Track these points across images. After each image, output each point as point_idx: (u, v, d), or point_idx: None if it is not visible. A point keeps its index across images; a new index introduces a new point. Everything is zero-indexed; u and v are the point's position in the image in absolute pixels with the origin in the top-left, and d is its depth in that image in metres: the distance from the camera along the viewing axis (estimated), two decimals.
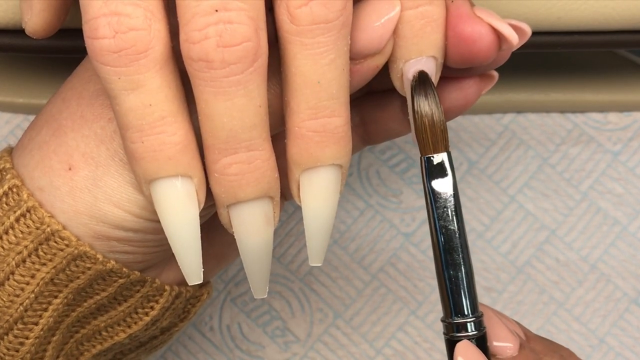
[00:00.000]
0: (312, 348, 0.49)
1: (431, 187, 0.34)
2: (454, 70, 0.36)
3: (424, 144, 0.34)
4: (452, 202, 0.34)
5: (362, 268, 0.50)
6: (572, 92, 0.51)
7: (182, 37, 0.31)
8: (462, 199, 0.50)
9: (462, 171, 0.51)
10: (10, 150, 0.37)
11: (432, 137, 0.34)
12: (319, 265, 0.35)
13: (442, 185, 0.34)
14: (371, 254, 0.50)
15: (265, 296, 0.36)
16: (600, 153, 0.51)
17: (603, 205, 0.50)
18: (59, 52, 0.42)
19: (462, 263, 0.34)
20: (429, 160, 0.34)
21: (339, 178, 0.34)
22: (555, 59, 0.51)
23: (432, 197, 0.34)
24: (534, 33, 0.36)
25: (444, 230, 0.34)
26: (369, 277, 0.50)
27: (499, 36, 0.34)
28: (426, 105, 0.34)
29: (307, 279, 0.50)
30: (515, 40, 0.34)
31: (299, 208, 0.50)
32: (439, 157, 0.34)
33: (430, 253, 0.50)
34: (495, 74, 0.38)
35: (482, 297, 0.49)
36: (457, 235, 0.34)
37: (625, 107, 0.51)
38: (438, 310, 0.49)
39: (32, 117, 0.51)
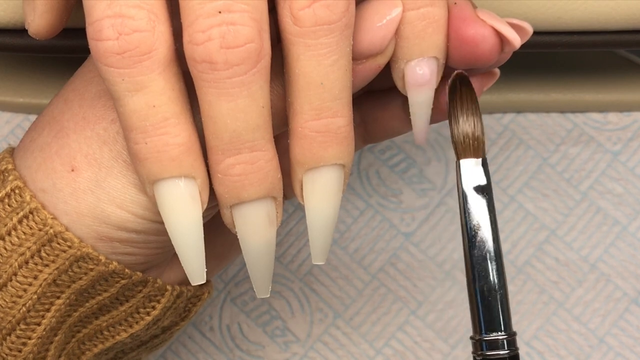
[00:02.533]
0: (312, 348, 0.49)
1: (468, 191, 0.33)
2: (456, 69, 0.36)
3: (463, 148, 0.33)
4: (489, 208, 0.33)
5: (362, 268, 0.50)
6: (572, 92, 0.51)
7: (186, 38, 0.31)
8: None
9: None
10: (11, 151, 0.37)
11: (472, 140, 0.33)
12: (322, 263, 0.36)
13: (479, 191, 0.33)
14: (371, 254, 0.50)
15: (268, 296, 0.36)
16: (600, 153, 0.51)
17: (603, 205, 0.51)
18: (60, 51, 0.42)
19: (496, 274, 0.32)
20: (467, 165, 0.33)
21: (341, 177, 0.34)
22: (555, 59, 0.52)
23: (467, 203, 0.32)
24: (534, 33, 0.37)
25: (478, 238, 0.32)
26: (369, 277, 0.50)
27: (501, 38, 0.34)
28: (466, 110, 0.33)
29: (307, 279, 0.50)
30: (517, 42, 0.34)
31: (299, 207, 0.51)
32: (477, 162, 0.33)
33: (430, 253, 0.50)
34: (497, 71, 0.38)
35: None
36: (492, 245, 0.32)
37: (625, 107, 0.51)
38: (438, 310, 0.49)
39: (32, 117, 0.51)
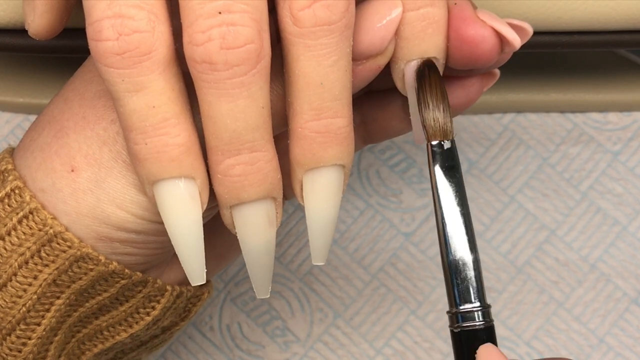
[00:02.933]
0: (312, 348, 0.49)
1: (438, 171, 0.34)
2: (456, 69, 0.36)
3: (433, 131, 0.34)
4: (458, 186, 0.34)
5: (362, 268, 0.50)
6: (572, 92, 0.51)
7: (186, 39, 0.31)
8: None
9: (462, 171, 0.51)
10: (11, 151, 0.37)
11: (442, 124, 0.34)
12: (322, 264, 0.36)
13: (448, 170, 0.34)
14: (371, 253, 0.50)
15: (268, 296, 0.36)
16: (600, 153, 0.51)
17: (603, 205, 0.51)
18: (60, 51, 0.42)
19: (468, 247, 0.34)
20: (437, 146, 0.34)
21: (341, 178, 0.34)
22: (555, 59, 0.52)
23: (437, 182, 0.34)
24: (534, 33, 0.37)
25: (449, 214, 0.34)
26: (369, 277, 0.50)
27: (501, 39, 0.34)
28: (435, 95, 0.34)
29: (307, 279, 0.50)
30: (517, 43, 0.34)
31: (299, 208, 0.51)
32: (446, 144, 0.34)
33: (430, 253, 0.50)
34: (497, 72, 0.38)
35: None
36: (462, 219, 0.34)
37: (625, 107, 0.51)
38: (438, 310, 0.49)
39: (32, 117, 0.51)
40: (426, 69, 0.34)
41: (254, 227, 0.34)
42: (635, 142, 0.51)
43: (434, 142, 0.34)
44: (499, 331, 0.49)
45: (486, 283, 0.49)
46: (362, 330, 0.49)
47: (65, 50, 0.41)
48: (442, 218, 0.34)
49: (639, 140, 0.51)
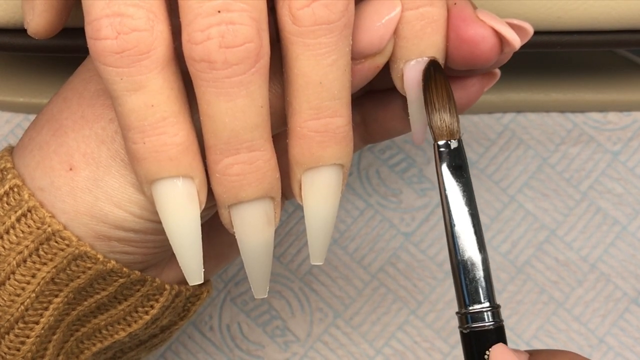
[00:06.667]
0: (312, 348, 0.49)
1: (445, 171, 0.34)
2: (456, 69, 0.36)
3: (440, 131, 0.34)
4: (466, 186, 0.34)
5: (362, 268, 0.50)
6: (572, 92, 0.51)
7: (185, 37, 0.31)
8: None
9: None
10: (10, 150, 0.38)
11: (448, 123, 0.34)
12: (320, 264, 0.35)
13: (456, 170, 0.34)
14: (371, 253, 0.50)
15: (266, 296, 0.36)
16: (600, 153, 0.51)
17: (603, 205, 0.51)
18: (60, 51, 0.42)
19: (477, 247, 0.34)
20: (443, 146, 0.34)
21: (340, 177, 0.34)
22: (555, 59, 0.52)
23: (445, 182, 0.34)
24: (534, 33, 0.37)
25: (457, 214, 0.34)
26: (369, 276, 0.50)
27: (501, 39, 0.34)
28: (440, 95, 0.34)
29: (307, 279, 0.50)
30: (517, 43, 0.34)
31: (298, 207, 0.51)
32: (453, 144, 0.34)
33: (430, 252, 0.50)
34: (497, 72, 0.38)
35: None
36: (470, 219, 0.34)
37: (625, 107, 0.51)
38: (438, 310, 0.49)
39: (32, 117, 0.51)
40: (431, 68, 0.34)
41: (252, 226, 0.34)
42: (635, 142, 0.51)
43: (441, 142, 0.34)
44: None
45: None
46: (362, 330, 0.49)
47: (65, 50, 0.41)
48: (450, 218, 0.34)
49: (639, 140, 0.51)
